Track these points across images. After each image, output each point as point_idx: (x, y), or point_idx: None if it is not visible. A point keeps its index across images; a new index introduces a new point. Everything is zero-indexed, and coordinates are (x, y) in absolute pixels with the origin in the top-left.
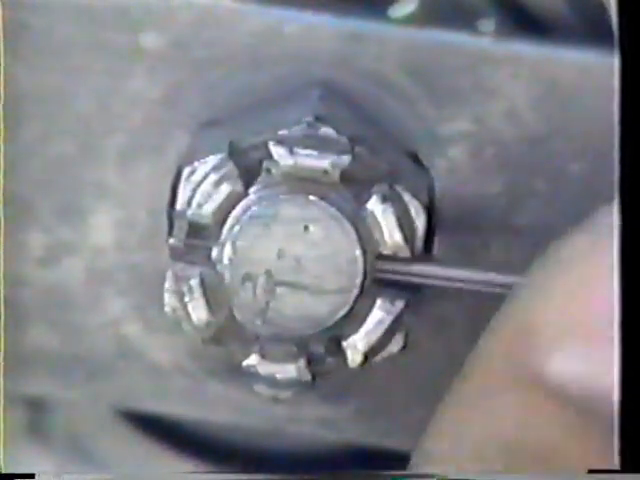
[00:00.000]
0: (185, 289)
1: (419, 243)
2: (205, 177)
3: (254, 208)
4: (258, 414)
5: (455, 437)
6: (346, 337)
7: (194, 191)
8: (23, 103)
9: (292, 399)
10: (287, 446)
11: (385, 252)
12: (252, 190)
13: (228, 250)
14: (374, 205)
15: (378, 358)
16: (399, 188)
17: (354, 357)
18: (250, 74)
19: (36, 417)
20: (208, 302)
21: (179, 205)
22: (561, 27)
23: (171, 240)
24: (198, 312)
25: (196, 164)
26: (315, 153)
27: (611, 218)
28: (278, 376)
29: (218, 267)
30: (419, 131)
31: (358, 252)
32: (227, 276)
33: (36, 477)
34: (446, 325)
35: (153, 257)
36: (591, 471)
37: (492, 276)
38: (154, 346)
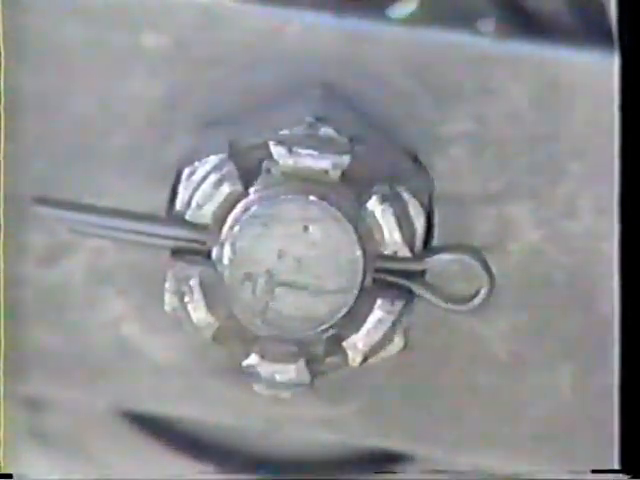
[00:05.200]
0: (185, 289)
1: (419, 243)
2: (205, 177)
3: (254, 208)
4: (258, 414)
5: None
6: (346, 337)
7: (194, 191)
8: (23, 103)
9: (292, 399)
10: (287, 446)
11: (385, 252)
12: (252, 190)
13: (228, 250)
14: (374, 205)
15: (378, 358)
16: (399, 188)
17: (354, 357)
18: (250, 74)
19: (36, 417)
20: (208, 302)
21: (179, 205)
22: (561, 27)
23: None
24: (198, 312)
25: (196, 164)
26: (315, 153)
27: None
28: (278, 376)
29: (218, 267)
30: (419, 131)
31: (358, 252)
32: (227, 276)
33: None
34: (445, 325)
35: (153, 257)
36: (593, 471)
37: None
38: (154, 346)
